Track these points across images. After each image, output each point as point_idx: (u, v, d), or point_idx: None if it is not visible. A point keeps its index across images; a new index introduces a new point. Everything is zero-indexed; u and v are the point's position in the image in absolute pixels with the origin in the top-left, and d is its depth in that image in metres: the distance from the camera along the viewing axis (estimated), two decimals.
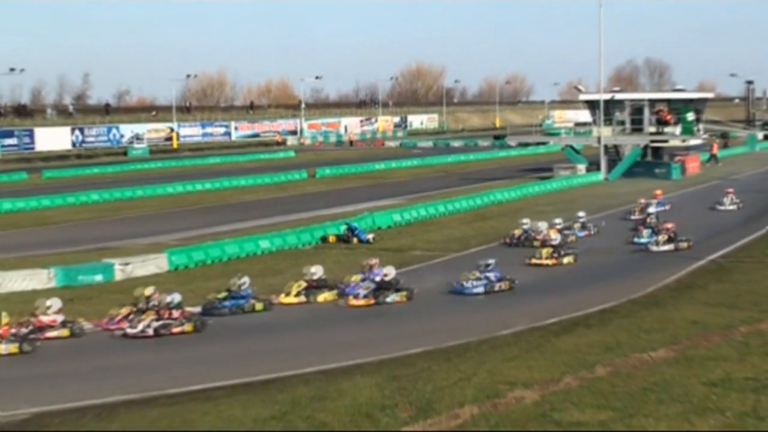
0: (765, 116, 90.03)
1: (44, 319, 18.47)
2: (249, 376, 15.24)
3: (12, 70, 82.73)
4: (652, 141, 52.00)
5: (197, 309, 20.00)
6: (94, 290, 23.07)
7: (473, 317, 19.95)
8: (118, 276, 24.32)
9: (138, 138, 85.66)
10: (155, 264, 25.38)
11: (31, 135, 79.52)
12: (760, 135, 74.14)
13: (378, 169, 60.88)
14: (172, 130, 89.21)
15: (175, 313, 18.76)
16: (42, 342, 17.85)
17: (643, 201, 35.22)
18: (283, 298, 21.26)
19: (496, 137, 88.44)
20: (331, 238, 29.95)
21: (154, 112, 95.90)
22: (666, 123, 51.91)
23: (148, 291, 19.68)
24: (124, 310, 19.31)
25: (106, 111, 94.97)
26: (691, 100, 54.95)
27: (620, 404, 13.10)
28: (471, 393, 13.70)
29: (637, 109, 53.11)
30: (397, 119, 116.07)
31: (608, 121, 52.09)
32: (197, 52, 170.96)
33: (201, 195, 47.15)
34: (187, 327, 18.60)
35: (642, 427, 12.26)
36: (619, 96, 55.48)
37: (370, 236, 30.07)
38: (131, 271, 24.63)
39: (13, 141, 77.68)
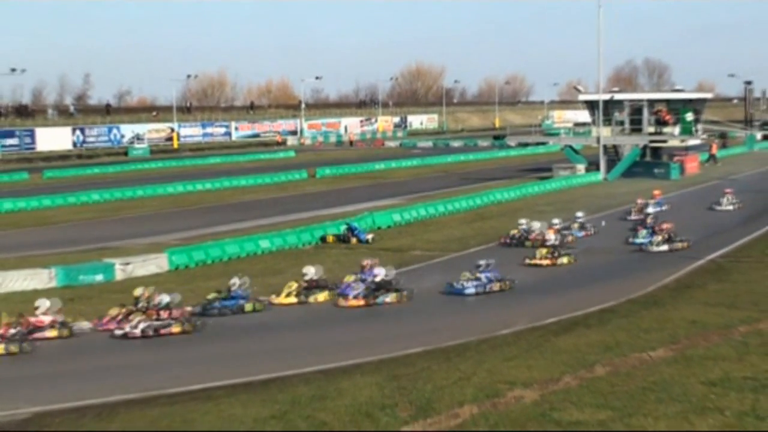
0: (763, 116, 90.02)
1: (34, 319, 18.41)
2: (249, 376, 15.26)
3: (13, 70, 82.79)
4: (651, 141, 52.05)
5: (191, 309, 19.96)
6: (94, 290, 23.11)
7: (473, 317, 19.99)
8: (119, 276, 24.36)
9: (139, 138, 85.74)
10: (156, 264, 25.42)
11: (32, 135, 79.59)
12: (759, 135, 74.20)
13: (378, 169, 60.91)
14: (172, 130, 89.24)
15: (165, 314, 18.75)
16: (39, 342, 17.81)
17: (641, 201, 35.27)
18: (278, 299, 21.27)
19: (496, 137, 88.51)
20: (330, 238, 29.98)
21: (154, 113, 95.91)
22: (665, 123, 51.95)
23: (138, 291, 19.73)
24: (114, 311, 19.34)
25: (106, 111, 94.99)
26: (690, 101, 55.01)
27: (619, 404, 13.12)
28: (471, 392, 13.73)
29: (636, 109, 53.16)
30: (396, 119, 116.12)
31: (607, 121, 52.13)
32: (197, 52, 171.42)
33: (201, 195, 47.19)
34: (178, 328, 18.56)
35: (641, 426, 12.28)
36: (618, 96, 55.53)
37: (370, 236, 30.08)
38: (132, 270, 24.67)
39: (14, 141, 77.77)
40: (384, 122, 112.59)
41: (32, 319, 18.40)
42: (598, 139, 51.35)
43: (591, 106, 54.11)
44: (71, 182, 55.29)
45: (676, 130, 51.60)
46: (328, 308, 21.00)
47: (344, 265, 25.08)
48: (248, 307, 20.50)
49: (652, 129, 52.30)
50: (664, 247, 27.01)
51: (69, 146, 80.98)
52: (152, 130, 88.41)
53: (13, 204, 41.97)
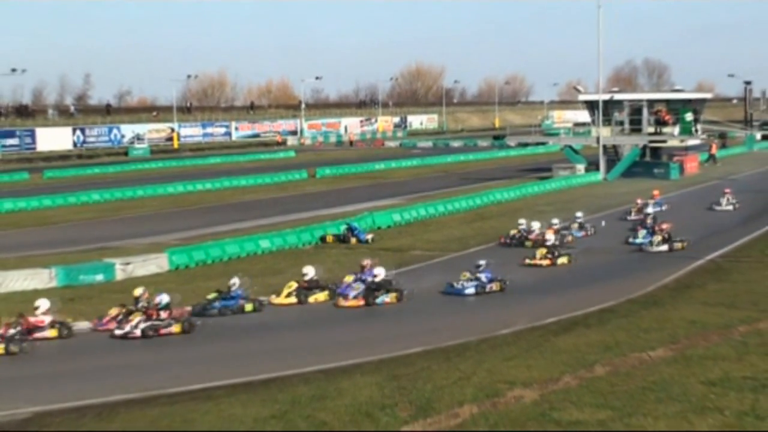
0: (763, 116, 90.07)
1: (34, 319, 18.42)
2: (249, 376, 15.28)
3: (13, 70, 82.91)
4: (651, 141, 52.06)
5: (188, 309, 19.99)
6: (95, 290, 23.12)
7: (472, 317, 20.01)
8: (119, 276, 24.37)
9: (139, 138, 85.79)
10: (156, 264, 25.44)
11: (32, 135, 79.65)
12: (758, 135, 74.19)
13: (378, 169, 60.93)
14: (172, 130, 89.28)
15: (164, 314, 18.74)
16: (39, 342, 17.82)
17: (640, 201, 35.28)
18: (276, 299, 21.29)
19: (496, 137, 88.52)
20: (330, 238, 29.99)
21: (154, 113, 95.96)
22: (665, 123, 51.96)
23: (138, 291, 19.74)
24: (114, 311, 19.35)
25: (107, 111, 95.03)
26: (690, 101, 55.02)
27: (619, 403, 13.13)
28: (470, 392, 13.74)
29: (635, 109, 53.19)
30: (396, 119, 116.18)
31: (607, 121, 52.16)
32: (197, 53, 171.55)
33: (201, 195, 47.20)
34: (175, 328, 18.55)
35: (641, 426, 12.29)
36: (617, 96, 55.59)
37: (369, 236, 30.09)
38: (132, 270, 24.68)
39: (14, 141, 77.86)
40: (384, 122, 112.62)
41: (32, 319, 18.40)
42: (597, 139, 51.37)
43: (591, 106, 54.14)
44: (71, 182, 55.32)
45: (676, 130, 51.61)
46: (328, 308, 21.01)
47: (344, 265, 25.08)
48: (248, 307, 20.53)
49: (651, 129, 52.33)
50: (664, 247, 27.02)
51: (69, 146, 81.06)
52: (152, 130, 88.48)
53: (13, 204, 41.99)
